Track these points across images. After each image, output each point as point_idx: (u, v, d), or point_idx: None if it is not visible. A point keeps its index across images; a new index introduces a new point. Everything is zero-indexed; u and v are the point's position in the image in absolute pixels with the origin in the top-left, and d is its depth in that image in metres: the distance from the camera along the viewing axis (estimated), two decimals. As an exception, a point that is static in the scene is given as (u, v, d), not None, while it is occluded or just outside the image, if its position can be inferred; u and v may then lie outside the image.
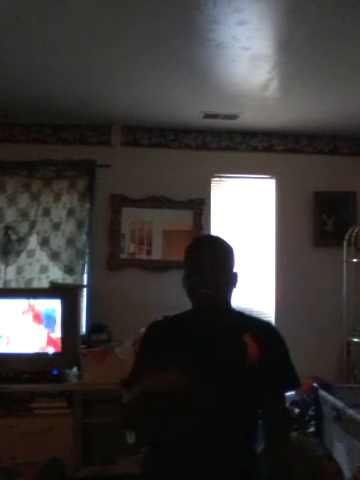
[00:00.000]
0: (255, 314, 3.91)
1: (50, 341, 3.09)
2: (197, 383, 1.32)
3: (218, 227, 3.93)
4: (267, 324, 1.64)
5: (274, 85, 2.98)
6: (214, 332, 1.50)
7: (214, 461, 1.40)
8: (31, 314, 3.10)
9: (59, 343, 3.07)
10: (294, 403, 3.39)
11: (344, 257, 3.70)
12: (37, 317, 3.10)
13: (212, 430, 1.40)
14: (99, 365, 3.01)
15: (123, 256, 3.79)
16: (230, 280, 1.53)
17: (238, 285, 1.55)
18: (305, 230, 3.95)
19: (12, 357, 3.04)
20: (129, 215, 3.81)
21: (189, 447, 1.40)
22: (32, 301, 3.12)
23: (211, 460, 1.39)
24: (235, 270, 1.55)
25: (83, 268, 3.69)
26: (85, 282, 3.69)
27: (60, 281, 3.63)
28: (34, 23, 2.29)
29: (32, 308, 3.11)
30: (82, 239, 3.69)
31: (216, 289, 1.48)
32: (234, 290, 1.56)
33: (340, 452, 2.64)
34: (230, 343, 1.47)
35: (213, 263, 1.49)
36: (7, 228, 3.65)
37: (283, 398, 1.57)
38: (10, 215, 3.67)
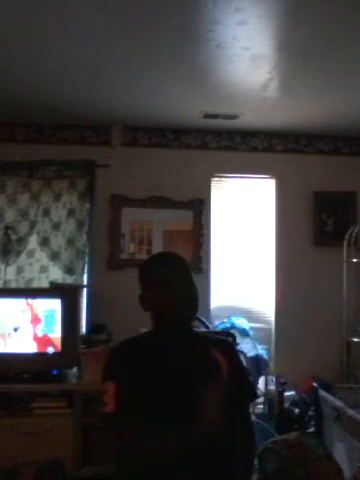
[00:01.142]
0: (255, 314, 3.96)
1: (50, 341, 3.08)
2: (179, 407, 1.33)
3: (218, 227, 3.94)
4: (226, 341, 1.65)
5: (274, 85, 2.98)
6: (189, 351, 1.44)
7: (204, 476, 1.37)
8: (31, 314, 3.10)
9: (59, 343, 3.07)
10: (294, 403, 3.39)
11: (344, 257, 3.70)
12: (37, 317, 3.10)
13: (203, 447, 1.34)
14: (99, 365, 3.00)
15: (123, 256, 3.79)
16: (198, 296, 1.48)
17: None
18: (305, 230, 3.95)
19: (12, 357, 3.03)
20: (129, 215, 3.81)
21: (181, 465, 1.34)
22: (32, 301, 3.12)
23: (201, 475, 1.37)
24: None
25: (83, 268, 3.69)
26: (85, 282, 3.69)
27: (60, 281, 3.63)
28: (34, 23, 2.29)
29: (32, 308, 3.10)
30: (82, 239, 3.69)
31: (193, 307, 1.45)
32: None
33: (340, 452, 2.64)
34: (205, 360, 1.43)
35: (186, 279, 1.46)
36: (7, 228, 3.65)
37: (248, 412, 1.60)
38: (10, 215, 3.67)
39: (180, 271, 1.47)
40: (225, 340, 1.64)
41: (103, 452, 2.31)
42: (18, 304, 3.10)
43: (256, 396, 1.66)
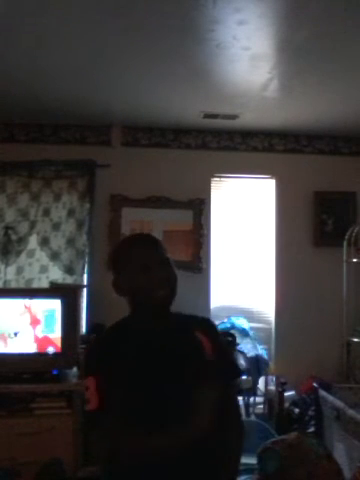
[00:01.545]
0: (255, 314, 3.96)
1: (50, 341, 3.08)
2: (164, 392, 1.29)
3: (218, 227, 3.94)
4: (208, 320, 1.57)
5: (274, 85, 2.98)
6: (170, 335, 1.40)
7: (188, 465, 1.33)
8: (31, 314, 3.10)
9: (59, 343, 3.06)
10: (294, 403, 3.40)
11: (344, 257, 3.70)
12: (36, 319, 3.10)
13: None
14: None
15: (123, 256, 3.78)
16: (176, 278, 1.42)
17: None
18: (305, 230, 3.95)
19: (12, 357, 3.03)
20: (129, 215, 3.81)
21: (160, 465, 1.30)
22: (32, 301, 3.12)
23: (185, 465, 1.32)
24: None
25: (83, 268, 3.69)
26: (85, 282, 3.69)
27: (60, 281, 3.63)
28: (34, 23, 2.29)
29: (32, 308, 3.10)
30: (82, 239, 3.69)
31: (169, 288, 1.39)
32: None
33: (340, 452, 2.64)
34: (187, 343, 1.39)
35: (162, 260, 1.39)
36: (7, 228, 3.65)
37: (234, 390, 1.57)
38: (10, 215, 3.67)
39: (157, 252, 1.40)
40: (207, 320, 1.56)
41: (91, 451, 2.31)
42: (19, 304, 3.10)
43: (239, 373, 1.63)
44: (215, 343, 1.44)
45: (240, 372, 1.63)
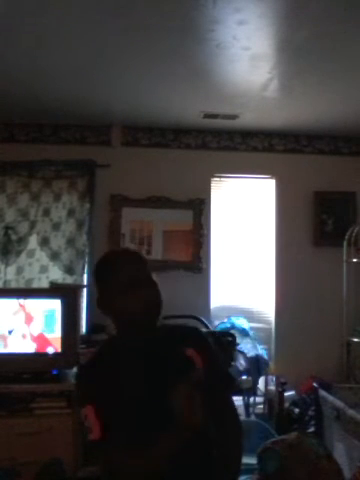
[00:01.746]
0: (255, 314, 3.95)
1: (47, 340, 3.08)
2: (157, 410, 1.28)
3: (218, 227, 3.94)
4: (195, 330, 1.54)
5: (274, 85, 2.98)
6: (158, 352, 1.37)
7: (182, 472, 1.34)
8: (29, 313, 3.10)
9: (59, 343, 3.06)
10: (294, 403, 3.40)
11: (344, 257, 3.70)
12: (30, 316, 3.10)
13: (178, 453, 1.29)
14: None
15: (123, 256, 3.78)
16: (160, 294, 1.39)
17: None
18: (305, 230, 3.95)
19: (12, 357, 3.03)
20: (129, 215, 3.81)
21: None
22: (30, 300, 3.12)
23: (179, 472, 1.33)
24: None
25: (83, 268, 3.69)
26: (85, 282, 3.69)
27: (60, 281, 3.63)
28: (34, 23, 2.29)
29: (26, 306, 3.10)
30: (82, 239, 3.69)
31: (155, 307, 1.36)
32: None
33: (340, 452, 2.64)
34: (177, 359, 1.36)
35: (146, 279, 1.36)
36: (7, 228, 3.65)
37: (231, 402, 1.53)
38: (10, 215, 3.67)
39: (141, 270, 1.37)
40: (194, 330, 1.52)
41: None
42: (11, 306, 3.09)
43: (234, 385, 1.57)
44: (205, 356, 1.41)
45: (234, 383, 1.59)
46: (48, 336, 3.09)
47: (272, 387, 3.54)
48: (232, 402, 1.56)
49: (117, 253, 1.55)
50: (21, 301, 3.10)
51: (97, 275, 1.41)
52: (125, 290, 1.33)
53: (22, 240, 3.66)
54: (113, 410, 1.30)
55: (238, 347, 3.39)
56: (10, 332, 3.08)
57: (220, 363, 1.55)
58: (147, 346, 1.38)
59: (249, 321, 3.69)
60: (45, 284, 3.61)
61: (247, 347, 3.46)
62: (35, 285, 3.64)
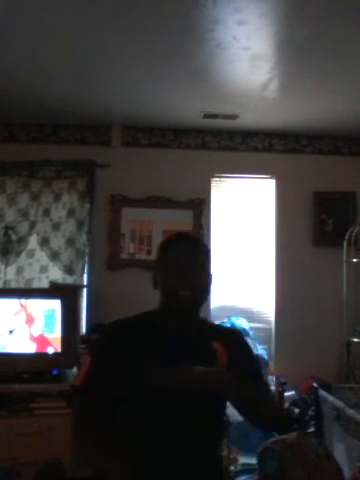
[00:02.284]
0: (255, 314, 3.95)
1: (47, 341, 3.08)
2: (167, 389, 1.29)
3: (218, 227, 3.94)
4: (234, 331, 1.58)
5: (274, 85, 2.98)
6: (186, 337, 1.41)
7: (183, 466, 1.34)
8: (31, 314, 3.10)
9: (59, 343, 3.07)
10: (294, 403, 3.39)
11: (344, 257, 3.70)
12: (37, 317, 3.10)
13: (182, 435, 1.34)
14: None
15: (123, 256, 3.79)
16: (208, 282, 1.45)
17: (213, 288, 1.47)
18: (305, 230, 3.95)
19: (12, 357, 3.03)
20: (129, 215, 3.81)
21: (158, 455, 1.33)
22: (31, 301, 3.12)
23: (180, 466, 1.34)
24: (211, 272, 1.47)
25: (83, 268, 3.69)
26: (85, 282, 3.69)
27: (60, 281, 3.63)
28: (34, 23, 2.29)
29: (27, 307, 3.10)
30: (82, 239, 3.69)
31: (194, 291, 1.40)
32: (209, 294, 1.47)
33: (340, 452, 2.64)
34: (201, 349, 1.38)
35: (193, 263, 1.41)
36: (7, 228, 3.65)
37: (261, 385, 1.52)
38: (10, 215, 3.67)
39: (191, 255, 1.42)
40: (234, 332, 1.57)
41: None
42: (19, 304, 3.10)
43: (260, 379, 1.53)
44: (232, 355, 1.39)
45: (266, 385, 1.58)
46: (48, 336, 3.10)
47: (272, 387, 3.54)
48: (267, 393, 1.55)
49: (171, 236, 1.60)
50: (23, 301, 3.10)
51: (156, 254, 1.51)
52: (170, 272, 1.40)
53: (22, 240, 3.66)
54: (110, 373, 1.36)
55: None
56: (11, 332, 3.08)
57: (252, 365, 1.52)
58: (174, 327, 1.42)
59: (249, 321, 3.68)
60: (45, 284, 3.61)
61: (247, 347, 3.46)
62: (35, 285, 3.64)
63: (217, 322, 3.68)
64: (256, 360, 1.57)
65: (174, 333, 1.41)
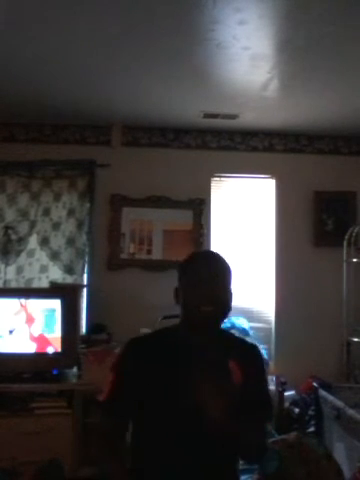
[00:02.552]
0: (255, 314, 3.95)
1: (47, 341, 3.08)
2: (185, 405, 1.34)
3: (218, 227, 3.93)
4: (251, 348, 1.59)
5: (274, 85, 2.98)
6: (204, 354, 1.43)
7: (197, 475, 1.39)
8: (31, 314, 3.10)
9: (59, 343, 3.07)
10: (294, 403, 3.39)
11: (344, 257, 3.70)
12: (37, 317, 3.10)
13: (198, 452, 1.38)
14: (99, 365, 3.02)
15: (123, 256, 3.79)
16: (228, 298, 1.47)
17: (231, 305, 1.49)
18: (305, 230, 3.95)
19: (12, 357, 3.03)
20: (129, 215, 3.81)
21: (175, 470, 1.38)
22: (31, 301, 3.12)
23: (194, 475, 1.39)
24: (231, 290, 1.50)
25: (83, 268, 3.69)
26: (85, 282, 3.69)
27: (60, 281, 3.63)
28: (35, 23, 2.29)
29: (27, 307, 3.10)
30: (82, 239, 3.69)
31: (214, 305, 1.42)
32: (229, 311, 1.49)
33: (340, 452, 2.64)
34: (218, 366, 1.41)
35: (213, 278, 1.44)
36: (7, 228, 3.65)
37: (261, 425, 1.52)
38: (10, 215, 3.67)
39: (211, 270, 1.45)
40: (248, 347, 1.58)
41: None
42: (19, 304, 3.10)
43: (268, 413, 1.57)
44: (247, 372, 1.43)
45: (269, 415, 1.60)
46: (48, 336, 3.10)
47: (272, 387, 3.54)
48: (262, 427, 1.54)
49: (194, 253, 1.68)
50: (23, 301, 3.10)
51: (178, 270, 1.53)
52: (191, 288, 1.44)
53: (22, 240, 3.66)
54: (132, 390, 1.42)
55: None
56: (11, 332, 3.08)
57: (262, 387, 1.54)
58: (196, 346, 1.44)
59: (249, 321, 3.68)
60: (45, 284, 3.61)
61: (247, 347, 3.45)
62: (35, 285, 3.64)
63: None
64: (266, 380, 1.60)
65: (193, 349, 1.44)
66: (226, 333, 1.58)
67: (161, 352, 1.45)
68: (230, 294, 1.48)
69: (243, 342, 1.61)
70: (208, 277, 1.43)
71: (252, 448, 1.46)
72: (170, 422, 1.38)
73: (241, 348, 1.55)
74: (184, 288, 1.46)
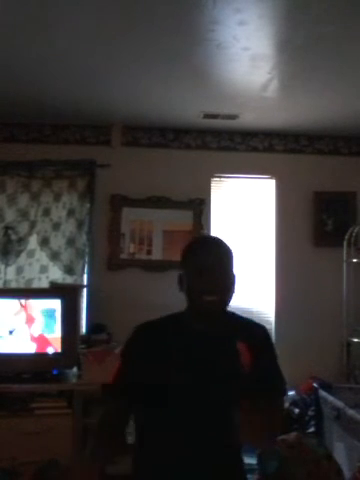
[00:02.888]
0: (255, 314, 3.95)
1: (47, 341, 3.08)
2: (190, 390, 1.34)
3: (218, 227, 3.93)
4: (260, 329, 1.60)
5: (274, 85, 2.98)
6: (210, 339, 1.45)
7: (204, 462, 1.40)
8: (31, 314, 3.10)
9: (59, 343, 3.07)
10: (294, 403, 3.40)
11: (344, 257, 3.70)
12: (37, 317, 3.10)
13: (203, 434, 1.39)
14: (99, 365, 3.02)
15: (123, 256, 3.79)
16: (232, 283, 1.48)
17: (237, 288, 1.49)
18: (305, 230, 3.95)
19: (12, 357, 3.03)
20: (129, 215, 3.81)
21: (178, 452, 1.39)
22: (31, 301, 3.12)
23: (201, 462, 1.39)
24: (234, 273, 1.50)
25: (83, 268, 3.69)
26: (85, 282, 3.69)
27: (60, 281, 3.63)
28: (35, 23, 2.29)
29: (27, 307, 3.10)
30: (82, 239, 3.69)
31: (219, 293, 1.43)
32: (233, 295, 1.49)
33: (340, 452, 2.64)
34: (225, 350, 1.42)
35: (217, 265, 1.44)
36: (7, 228, 3.65)
37: (276, 401, 1.53)
38: (10, 215, 3.67)
39: (215, 257, 1.45)
40: (257, 328, 1.59)
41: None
42: (19, 304, 3.10)
43: (283, 392, 1.57)
44: (256, 355, 1.40)
45: (283, 390, 1.59)
46: (48, 336, 3.10)
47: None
48: (278, 405, 1.55)
49: (197, 238, 1.71)
50: (23, 301, 3.10)
51: (181, 256, 1.53)
52: (194, 272, 1.43)
53: (22, 240, 3.66)
54: (138, 374, 1.43)
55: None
56: (11, 332, 3.08)
57: (273, 364, 1.55)
58: (202, 331, 1.46)
59: (249, 321, 3.68)
60: (45, 284, 3.61)
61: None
62: (35, 285, 3.63)
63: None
64: (277, 358, 1.59)
65: (199, 335, 1.45)
66: (234, 315, 1.57)
67: (167, 337, 1.47)
68: (233, 278, 1.49)
69: (251, 323, 1.60)
70: (211, 263, 1.43)
71: (266, 427, 1.40)
72: (173, 406, 1.38)
73: (249, 329, 1.55)
74: (188, 275, 1.46)
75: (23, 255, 3.66)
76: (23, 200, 3.69)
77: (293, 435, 2.46)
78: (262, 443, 1.51)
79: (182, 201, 3.83)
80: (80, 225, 3.70)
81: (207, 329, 1.46)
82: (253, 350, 1.40)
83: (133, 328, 1.54)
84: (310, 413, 3.24)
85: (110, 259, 3.76)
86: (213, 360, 1.40)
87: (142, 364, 1.43)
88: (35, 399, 2.96)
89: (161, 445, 1.41)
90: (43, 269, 3.68)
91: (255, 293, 3.91)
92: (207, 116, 3.57)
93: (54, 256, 3.66)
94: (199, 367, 1.39)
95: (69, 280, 3.65)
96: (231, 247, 1.52)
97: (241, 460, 1.54)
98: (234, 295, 1.49)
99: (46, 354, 3.07)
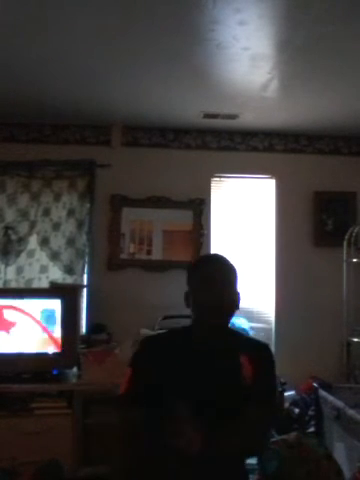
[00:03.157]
0: (255, 314, 3.95)
1: (48, 341, 3.08)
2: (193, 401, 1.36)
3: (218, 227, 3.93)
4: (262, 346, 1.64)
5: (274, 85, 2.98)
6: (214, 351, 1.51)
7: (207, 468, 1.40)
8: (31, 314, 3.10)
9: (59, 343, 3.07)
10: (294, 403, 3.39)
11: (344, 257, 3.70)
12: (37, 317, 3.10)
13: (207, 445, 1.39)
14: (99, 365, 3.02)
15: (123, 256, 3.79)
16: (236, 299, 1.55)
17: (240, 304, 1.57)
18: (305, 230, 3.95)
19: (12, 357, 3.03)
20: (129, 215, 3.81)
21: (181, 465, 1.39)
22: (31, 301, 3.12)
23: (204, 468, 1.39)
24: (238, 291, 1.57)
25: (83, 268, 3.69)
26: (85, 282, 3.69)
27: (60, 281, 3.63)
28: (35, 23, 2.29)
29: (31, 308, 3.10)
30: (82, 239, 3.69)
31: (223, 307, 1.50)
32: (236, 311, 1.57)
33: (340, 452, 2.64)
34: (227, 363, 1.49)
35: (222, 281, 1.51)
36: (7, 228, 3.65)
37: (263, 417, 1.53)
38: (10, 215, 3.67)
39: (219, 272, 1.53)
40: (261, 345, 1.63)
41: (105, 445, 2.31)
42: (19, 304, 3.10)
43: (272, 408, 1.61)
44: (258, 369, 1.48)
45: (273, 398, 1.62)
46: (48, 336, 3.09)
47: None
48: (266, 413, 1.53)
49: (203, 257, 1.83)
50: (23, 301, 3.10)
51: (187, 275, 1.60)
52: (200, 290, 1.51)
53: (22, 240, 3.66)
54: (148, 384, 1.48)
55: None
56: (11, 332, 3.08)
57: (270, 381, 1.58)
58: (206, 344, 1.52)
59: (249, 321, 3.68)
60: (45, 284, 3.61)
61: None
62: (35, 285, 3.64)
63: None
64: (275, 378, 1.64)
65: (204, 348, 1.52)
66: (238, 333, 1.66)
67: (173, 351, 1.53)
68: (238, 295, 1.56)
69: (255, 341, 1.68)
70: (216, 279, 1.50)
71: (252, 439, 1.48)
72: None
73: (253, 345, 1.61)
74: (194, 292, 1.53)
75: (23, 255, 3.66)
76: (23, 200, 3.69)
77: (293, 435, 2.45)
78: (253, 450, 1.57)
79: (182, 201, 3.83)
80: (80, 225, 3.70)
81: (212, 341, 1.52)
82: (254, 364, 1.48)
83: (140, 341, 1.60)
84: (310, 413, 3.23)
85: (110, 259, 3.76)
86: (216, 372, 1.45)
87: (151, 374, 1.49)
88: (35, 399, 2.96)
89: (164, 454, 1.42)
90: (43, 269, 3.68)
91: (255, 293, 3.91)
92: (207, 116, 3.57)
93: (54, 256, 3.66)
94: (202, 379, 1.44)
95: (69, 280, 3.65)
96: (235, 265, 1.59)
97: (244, 465, 1.57)
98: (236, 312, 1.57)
99: (46, 354, 3.07)
